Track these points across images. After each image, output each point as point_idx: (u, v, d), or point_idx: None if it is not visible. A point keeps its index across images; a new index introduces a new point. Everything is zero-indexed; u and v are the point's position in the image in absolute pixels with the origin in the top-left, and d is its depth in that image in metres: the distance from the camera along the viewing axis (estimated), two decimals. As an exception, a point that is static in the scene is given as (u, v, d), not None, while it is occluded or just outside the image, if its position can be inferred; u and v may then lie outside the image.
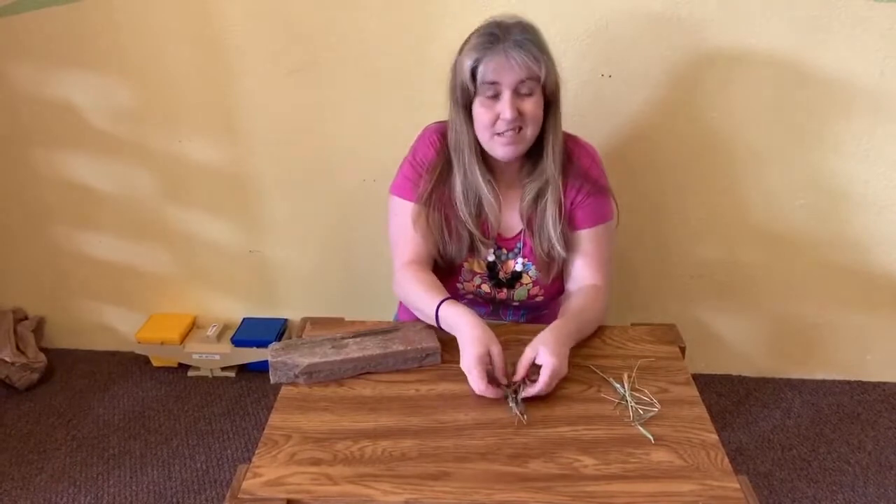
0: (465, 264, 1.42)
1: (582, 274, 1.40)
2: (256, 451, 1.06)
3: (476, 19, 1.72)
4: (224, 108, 1.92)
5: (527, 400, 1.16)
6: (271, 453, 1.06)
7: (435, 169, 1.37)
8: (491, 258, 1.42)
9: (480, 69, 1.24)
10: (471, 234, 1.38)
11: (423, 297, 1.31)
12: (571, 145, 1.39)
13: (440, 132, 1.39)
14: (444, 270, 1.43)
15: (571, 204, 1.38)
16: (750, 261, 2.02)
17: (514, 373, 1.19)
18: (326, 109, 1.90)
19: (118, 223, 2.13)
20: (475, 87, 1.26)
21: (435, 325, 1.30)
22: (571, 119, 1.80)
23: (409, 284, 1.35)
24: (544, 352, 1.17)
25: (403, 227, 1.40)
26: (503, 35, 1.24)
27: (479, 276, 1.43)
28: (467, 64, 1.25)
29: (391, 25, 1.78)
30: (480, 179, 1.34)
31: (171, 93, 1.92)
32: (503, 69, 1.23)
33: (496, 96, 1.25)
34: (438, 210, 1.38)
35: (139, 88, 1.92)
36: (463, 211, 1.36)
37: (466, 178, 1.35)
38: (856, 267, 2.00)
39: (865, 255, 1.98)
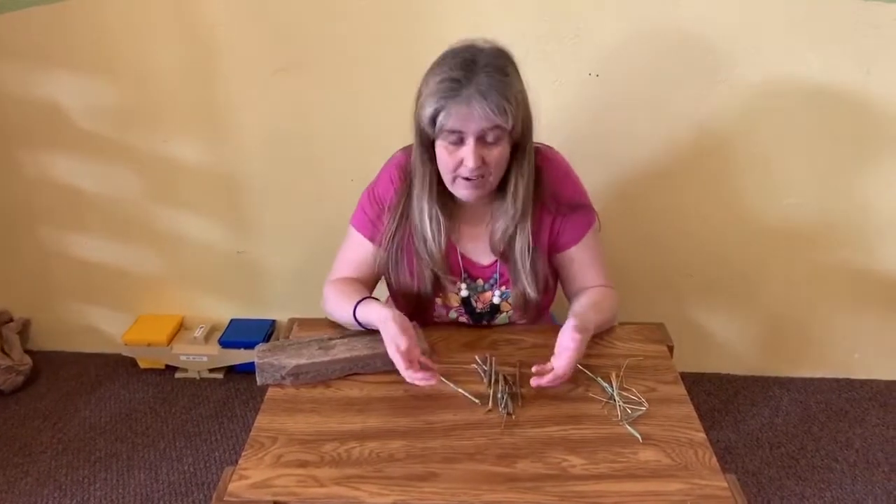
0: (438, 299, 1.38)
1: (584, 282, 1.39)
2: (243, 453, 1.06)
3: (465, 19, 1.73)
4: (210, 107, 1.91)
5: (515, 398, 1.16)
6: (258, 455, 1.06)
7: (396, 209, 1.33)
8: (465, 293, 1.37)
9: (441, 118, 1.17)
10: (433, 271, 1.33)
11: (342, 305, 1.30)
12: (540, 161, 1.32)
13: (401, 166, 1.34)
14: (416, 308, 1.38)
15: (551, 232, 1.35)
16: (738, 260, 2.02)
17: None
18: (313, 109, 1.89)
19: (104, 224, 2.12)
20: (435, 132, 1.20)
21: (360, 329, 1.29)
22: (559, 119, 1.81)
23: (330, 297, 1.36)
24: (568, 339, 1.15)
25: (348, 255, 1.41)
26: (468, 79, 1.14)
27: (454, 310, 1.40)
28: (427, 111, 1.18)
29: (378, 24, 1.77)
30: (427, 216, 1.29)
31: (156, 92, 1.91)
32: (466, 119, 1.15)
33: (459, 142, 1.19)
34: (401, 249, 1.34)
35: (125, 88, 1.91)
36: (420, 246, 1.32)
37: (421, 212, 1.30)
38: (844, 266, 2.00)
39: (853, 254, 1.99)
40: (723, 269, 2.05)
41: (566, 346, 1.15)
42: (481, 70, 1.15)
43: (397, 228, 1.33)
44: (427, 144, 1.24)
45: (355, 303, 1.27)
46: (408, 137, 1.38)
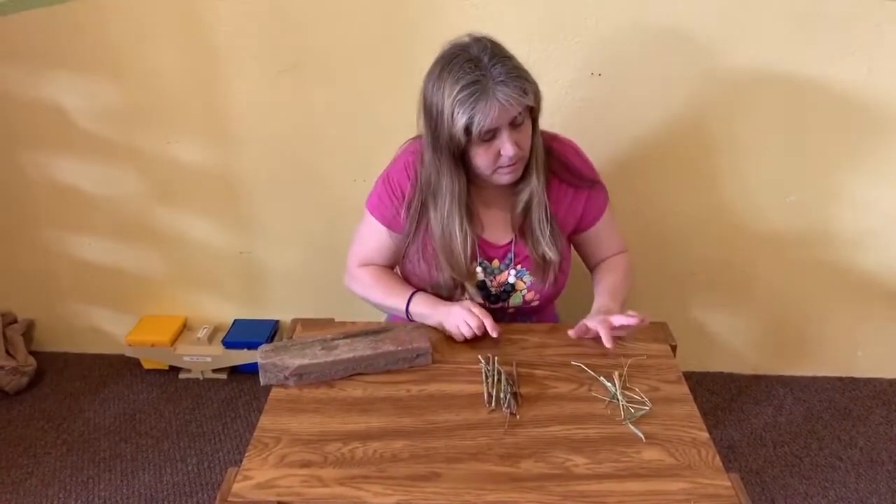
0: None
1: (604, 253, 1.49)
2: (246, 454, 1.06)
3: (466, 19, 1.73)
4: (213, 108, 1.92)
5: (518, 398, 1.16)
6: (261, 456, 1.06)
7: (412, 205, 1.35)
8: (480, 277, 1.40)
9: (476, 123, 1.18)
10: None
11: (388, 292, 1.41)
12: (556, 145, 1.38)
13: (418, 155, 1.35)
14: (431, 292, 1.42)
15: (571, 210, 1.39)
16: (741, 258, 2.02)
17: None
18: (316, 109, 1.89)
19: (108, 225, 2.12)
20: (472, 139, 1.21)
21: (396, 317, 1.39)
22: (562, 118, 1.81)
23: (370, 283, 1.44)
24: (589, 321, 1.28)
25: (368, 237, 1.45)
26: (484, 77, 1.17)
27: (469, 291, 1.41)
28: (461, 123, 1.18)
29: (381, 24, 1.77)
30: (457, 237, 1.32)
31: (159, 94, 1.91)
32: (499, 113, 1.18)
33: (493, 137, 1.21)
34: (422, 242, 1.38)
35: (128, 89, 1.91)
36: (443, 257, 1.35)
37: (451, 231, 1.32)
38: (846, 264, 2.00)
39: (856, 252, 1.98)
40: (726, 267, 2.04)
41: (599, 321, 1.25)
42: (489, 64, 1.18)
43: (416, 224, 1.36)
44: (457, 155, 1.26)
45: (409, 294, 1.38)
46: (412, 134, 1.39)
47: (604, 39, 1.74)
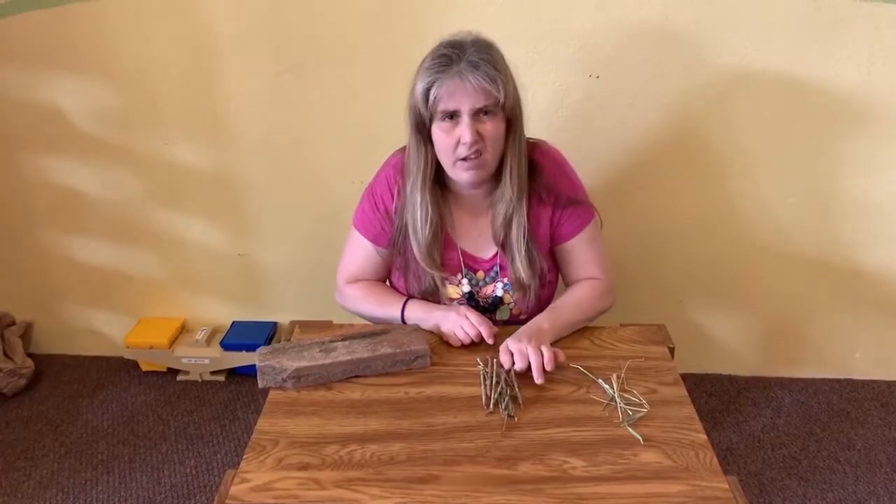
0: (442, 296, 1.40)
1: (578, 273, 1.43)
2: (244, 457, 1.06)
3: (465, 21, 1.72)
4: (212, 110, 1.92)
5: (516, 401, 1.16)
6: (259, 458, 1.06)
7: (397, 215, 1.36)
8: (466, 288, 1.40)
9: (433, 92, 1.19)
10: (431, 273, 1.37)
11: (382, 303, 1.41)
12: (537, 156, 1.35)
13: (397, 168, 1.36)
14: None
15: (550, 225, 1.37)
16: (739, 261, 2.02)
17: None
18: (315, 111, 1.90)
19: (106, 227, 2.12)
20: (429, 111, 1.22)
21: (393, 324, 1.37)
22: (560, 120, 1.81)
23: (360, 297, 1.43)
24: (511, 342, 1.23)
25: (355, 254, 1.45)
26: (457, 56, 1.19)
27: (456, 301, 1.41)
28: (420, 87, 1.21)
29: (379, 27, 1.77)
30: (419, 203, 1.30)
31: (158, 95, 1.91)
32: (459, 93, 1.18)
33: (454, 119, 1.21)
34: (402, 254, 1.38)
35: (126, 91, 1.91)
36: (417, 247, 1.34)
37: (414, 207, 1.32)
38: (844, 266, 2.00)
39: (854, 254, 1.98)
40: (724, 269, 2.04)
41: (517, 349, 1.21)
42: (470, 46, 1.21)
43: (401, 234, 1.36)
44: (422, 131, 1.26)
45: (403, 301, 1.38)
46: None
47: (602, 41, 1.75)
